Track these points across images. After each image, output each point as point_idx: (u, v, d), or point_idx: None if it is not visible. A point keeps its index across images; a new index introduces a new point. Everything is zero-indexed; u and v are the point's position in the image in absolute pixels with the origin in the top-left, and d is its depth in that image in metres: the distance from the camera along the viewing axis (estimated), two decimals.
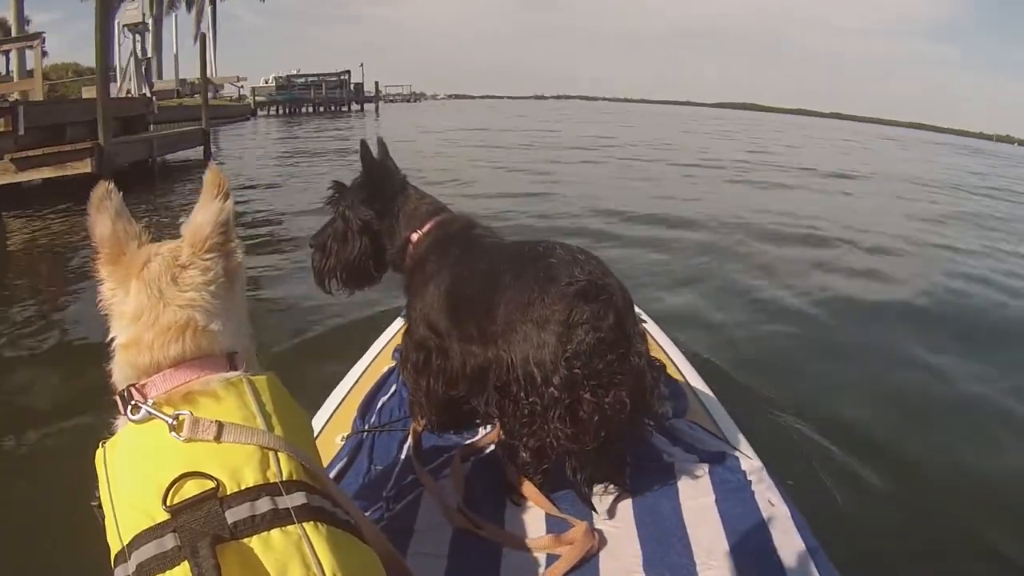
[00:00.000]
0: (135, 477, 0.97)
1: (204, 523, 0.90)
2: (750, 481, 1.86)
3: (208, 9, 45.90)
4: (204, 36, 22.49)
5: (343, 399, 2.44)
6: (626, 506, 1.80)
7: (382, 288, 2.39)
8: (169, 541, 0.89)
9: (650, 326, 2.94)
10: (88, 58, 11.82)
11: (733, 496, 1.80)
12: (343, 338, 4.42)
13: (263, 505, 0.93)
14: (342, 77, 51.46)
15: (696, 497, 1.81)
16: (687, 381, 2.59)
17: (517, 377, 1.64)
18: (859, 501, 3.02)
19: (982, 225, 11.75)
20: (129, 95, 22.28)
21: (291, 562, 0.90)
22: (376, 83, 62.85)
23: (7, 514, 2.86)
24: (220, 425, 0.98)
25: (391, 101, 79.97)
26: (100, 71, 11.07)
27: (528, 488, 1.80)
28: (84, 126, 11.06)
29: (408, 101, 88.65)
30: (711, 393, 2.53)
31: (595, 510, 1.76)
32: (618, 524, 1.73)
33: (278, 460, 0.99)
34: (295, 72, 49.95)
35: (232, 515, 0.91)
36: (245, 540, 0.91)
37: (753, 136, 38.05)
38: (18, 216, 8.96)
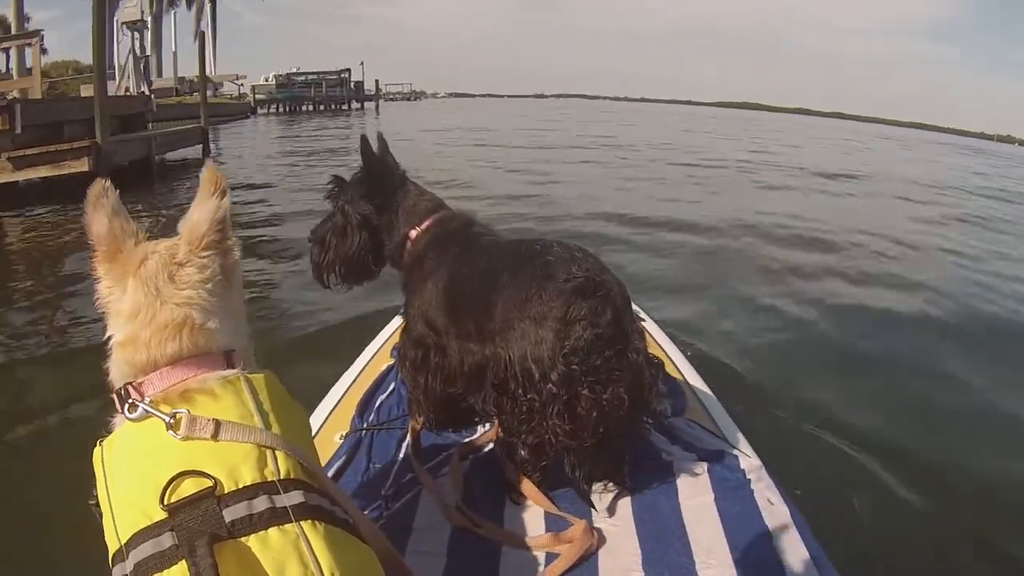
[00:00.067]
0: (132, 476, 0.97)
1: (201, 522, 0.89)
2: (749, 480, 1.86)
3: (208, 7, 45.87)
4: (203, 34, 22.49)
5: (341, 397, 2.44)
6: (625, 504, 1.79)
7: (380, 286, 2.39)
8: (167, 540, 0.89)
9: (648, 324, 2.93)
10: (88, 56, 11.76)
11: (732, 495, 1.80)
12: (341, 336, 4.43)
13: (261, 504, 0.93)
14: (342, 75, 51.52)
15: (695, 496, 1.81)
16: (685, 379, 2.58)
17: (515, 374, 1.64)
18: (859, 500, 3.02)
19: (989, 228, 11.67)
20: (128, 93, 22.27)
21: (289, 561, 0.90)
22: (376, 81, 62.95)
23: (7, 514, 2.86)
24: (217, 423, 0.98)
25: (391, 99, 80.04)
26: (97, 69, 11.05)
27: (527, 486, 1.80)
28: (82, 124, 11.03)
29: (408, 99, 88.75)
30: (709, 391, 2.53)
31: (594, 508, 1.76)
32: (617, 522, 1.73)
33: (275, 458, 0.99)
34: (295, 70, 50.01)
35: (229, 514, 0.91)
36: (243, 539, 0.90)
37: (754, 136, 38.07)
38: (16, 215, 8.95)
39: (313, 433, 2.06)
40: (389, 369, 2.58)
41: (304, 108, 47.52)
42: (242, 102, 42.31)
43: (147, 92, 22.33)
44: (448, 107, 72.87)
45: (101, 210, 1.10)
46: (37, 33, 13.88)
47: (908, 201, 14.31)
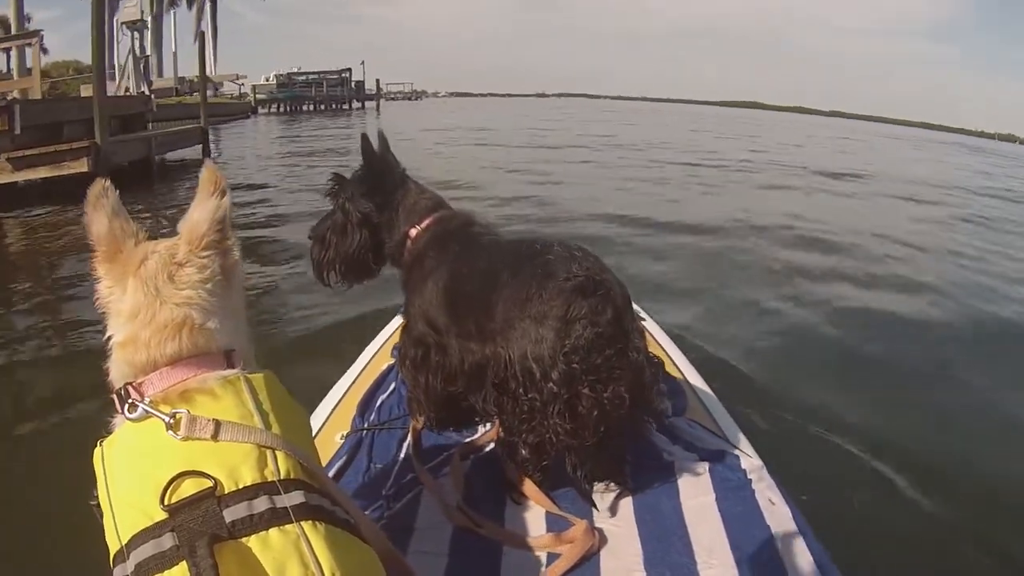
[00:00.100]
0: (133, 476, 0.97)
1: (202, 522, 0.89)
2: (750, 480, 1.86)
3: (208, 7, 45.88)
4: (203, 34, 22.49)
5: (342, 397, 2.44)
6: (626, 504, 1.79)
7: (381, 286, 2.39)
8: (167, 541, 0.89)
9: (649, 324, 2.93)
10: (89, 56, 11.76)
11: (733, 495, 1.80)
12: (341, 336, 4.43)
13: (261, 504, 0.93)
14: (343, 75, 51.53)
15: (696, 496, 1.80)
16: (686, 379, 2.58)
17: (515, 373, 1.64)
18: (860, 500, 3.02)
19: (994, 228, 11.59)
20: (128, 93, 22.27)
21: (289, 561, 0.90)
22: (377, 81, 62.82)
23: (7, 514, 2.86)
24: (217, 423, 0.98)
25: (392, 99, 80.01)
26: (96, 69, 11.04)
27: (528, 486, 1.79)
28: (81, 124, 11.01)
29: (409, 99, 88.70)
30: (710, 391, 2.52)
31: (596, 508, 1.76)
32: (618, 523, 1.73)
33: (276, 458, 0.98)
34: (296, 70, 50.00)
35: (230, 514, 0.91)
36: (243, 539, 0.90)
37: (756, 134, 38.05)
38: (15, 215, 8.96)
39: (314, 433, 2.06)
40: (390, 369, 2.57)
41: (305, 108, 47.52)
42: (243, 102, 42.31)
43: (147, 92, 22.33)
44: (449, 106, 72.82)
45: (101, 210, 1.10)
46: (37, 33, 13.87)
47: (912, 201, 14.25)
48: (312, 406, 2.34)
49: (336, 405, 2.39)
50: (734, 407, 2.45)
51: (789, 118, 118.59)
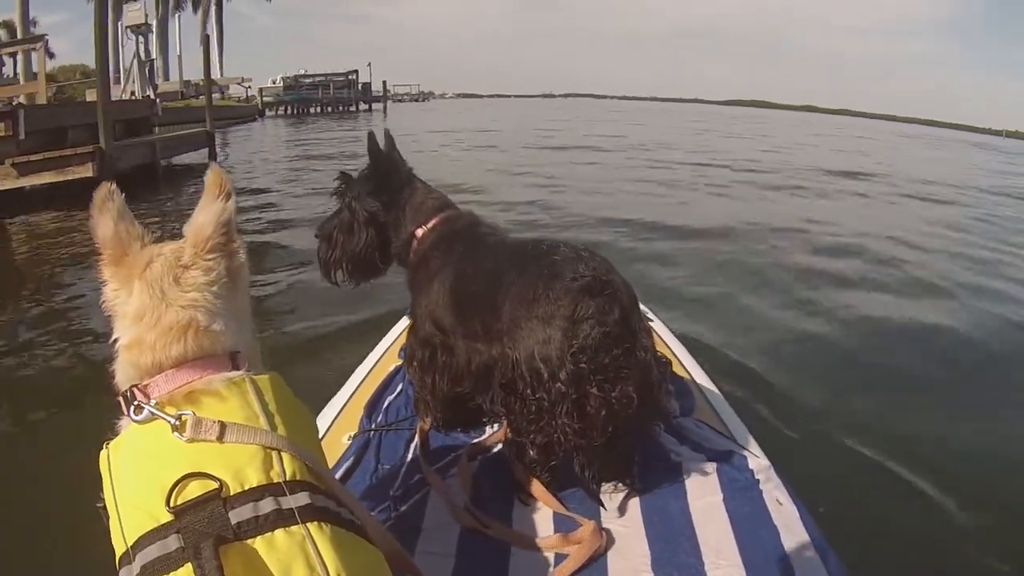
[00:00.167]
0: (139, 478, 0.97)
1: (207, 524, 0.89)
2: (758, 480, 1.85)
3: (213, 10, 45.98)
4: (207, 37, 22.62)
5: (349, 398, 2.44)
6: (634, 505, 1.79)
7: (387, 288, 2.39)
8: (173, 542, 0.89)
9: (656, 324, 2.92)
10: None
11: (741, 495, 1.79)
12: (347, 339, 4.44)
13: (266, 505, 0.93)
14: (350, 77, 51.48)
15: (704, 496, 1.80)
16: (693, 379, 2.57)
17: (523, 374, 1.64)
18: (868, 501, 3.01)
19: (1009, 228, 11.33)
20: (133, 97, 22.35)
21: (295, 562, 0.90)
22: (384, 83, 62.73)
23: (7, 514, 2.87)
24: (223, 425, 0.98)
25: (399, 100, 79.92)
26: (100, 74, 11.08)
27: (536, 487, 1.79)
28: (86, 129, 11.02)
29: (416, 100, 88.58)
30: (717, 391, 2.51)
31: (603, 508, 1.76)
32: (626, 523, 1.72)
33: (281, 460, 0.98)
34: (302, 72, 50.04)
35: (235, 516, 0.91)
36: (249, 541, 0.90)
37: (765, 134, 37.87)
38: (20, 219, 9.00)
39: (321, 434, 2.06)
40: (397, 370, 2.57)
41: (312, 110, 47.55)
42: (250, 105, 42.36)
43: (152, 96, 22.39)
44: (456, 108, 72.72)
45: (107, 214, 1.11)
46: (41, 38, 13.93)
47: (924, 201, 14.09)
48: (319, 407, 2.34)
49: (343, 406, 2.39)
50: (741, 408, 2.44)
51: (798, 117, 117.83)
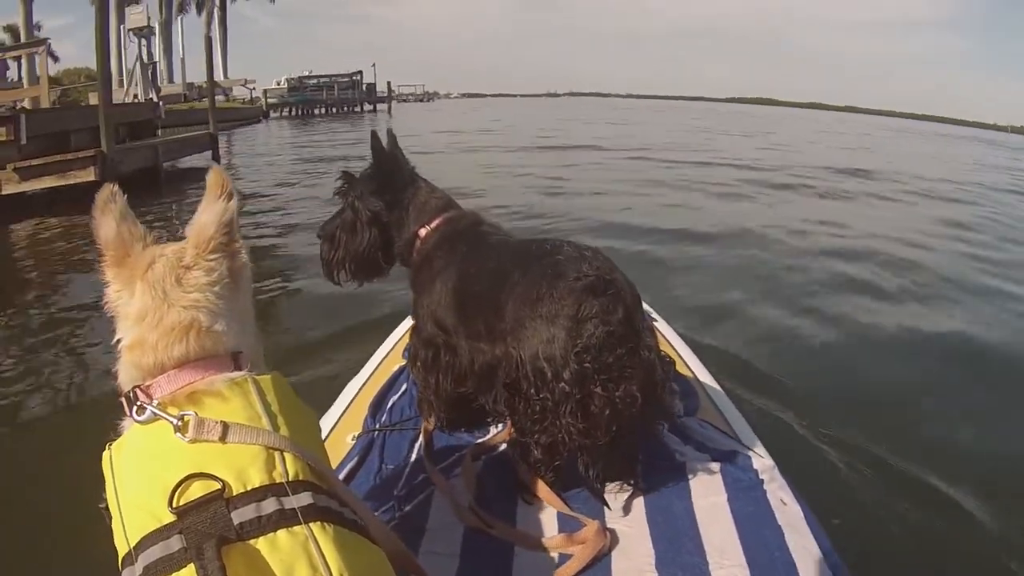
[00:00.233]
0: (141, 479, 0.97)
1: (210, 524, 0.89)
2: (762, 480, 1.84)
3: (217, 12, 46.05)
4: (210, 40, 22.67)
5: (353, 398, 2.44)
6: (638, 505, 1.78)
7: (391, 287, 2.38)
8: (175, 543, 0.89)
9: (660, 324, 2.92)
10: None
11: (745, 495, 1.78)
12: (351, 338, 4.44)
13: (269, 506, 0.93)
14: (354, 78, 51.44)
15: (708, 496, 1.79)
16: (697, 378, 2.57)
17: (527, 374, 1.63)
18: (871, 502, 3.00)
19: (1020, 228, 11.18)
20: (136, 100, 22.40)
21: (298, 563, 0.90)
22: (388, 83, 62.59)
23: (7, 514, 2.88)
24: (225, 425, 0.98)
25: (404, 101, 79.79)
26: (101, 77, 11.09)
27: (540, 487, 1.79)
28: (88, 133, 11.04)
29: (421, 100, 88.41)
30: (721, 391, 2.51)
31: (608, 507, 1.75)
32: (630, 523, 1.72)
33: (284, 460, 0.98)
34: (307, 73, 50.04)
35: (238, 516, 0.91)
36: (251, 541, 0.90)
37: (770, 131, 37.72)
38: (22, 223, 9.01)
39: (325, 434, 2.06)
40: (401, 370, 2.57)
41: (316, 111, 47.54)
42: (254, 106, 42.34)
43: (155, 99, 22.43)
44: (461, 108, 72.59)
45: (109, 215, 1.11)
46: (44, 41, 13.96)
47: (936, 200, 13.98)
48: (323, 407, 2.34)
49: (348, 406, 2.39)
50: (745, 407, 2.43)
51: (803, 114, 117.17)
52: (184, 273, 1.10)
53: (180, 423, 0.98)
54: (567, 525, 1.70)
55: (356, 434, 2.17)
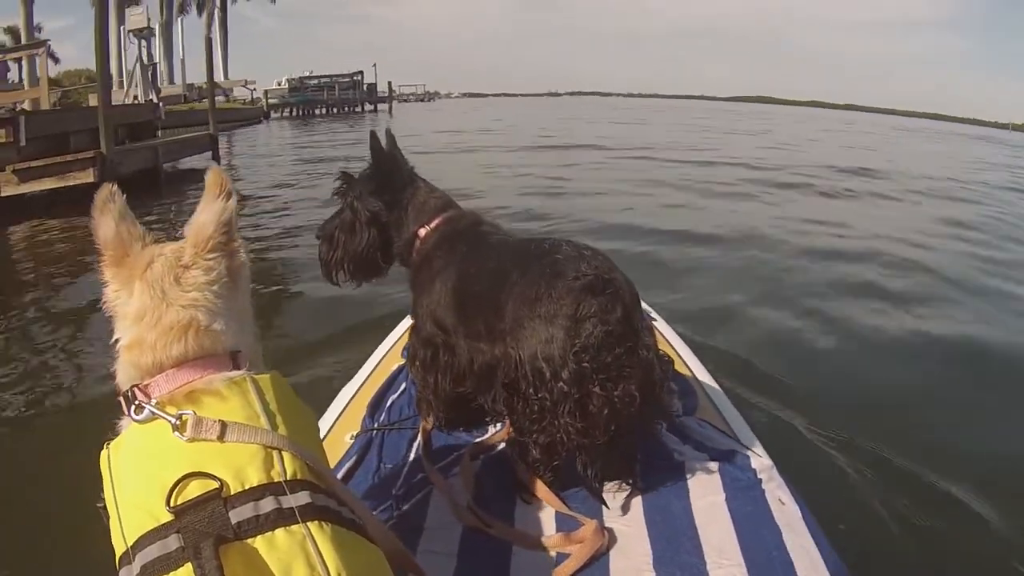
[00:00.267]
0: (139, 478, 0.97)
1: (208, 524, 0.90)
2: (760, 479, 1.84)
3: (217, 13, 46.05)
4: (210, 40, 22.65)
5: (352, 397, 2.44)
6: (636, 504, 1.78)
7: (391, 288, 2.38)
8: (173, 542, 0.89)
9: (659, 324, 2.92)
10: None
11: (743, 495, 1.78)
12: (350, 338, 4.44)
13: (267, 505, 0.93)
14: (355, 78, 51.39)
15: (706, 495, 1.79)
16: (696, 378, 2.57)
17: (525, 373, 1.63)
18: (871, 501, 2.99)
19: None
20: (136, 101, 22.40)
21: (295, 562, 0.90)
22: (389, 83, 62.47)
23: (7, 514, 2.88)
24: (223, 424, 0.98)
25: (405, 100, 79.60)
26: (100, 78, 11.09)
27: (538, 486, 1.79)
28: (88, 134, 11.01)
29: (423, 100, 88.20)
30: (720, 390, 2.51)
31: (606, 506, 1.75)
32: (628, 523, 1.72)
33: (282, 459, 0.99)
34: (308, 74, 50.00)
35: (236, 515, 0.91)
36: (249, 540, 0.90)
37: (771, 130, 37.62)
38: (21, 224, 9.01)
39: (323, 433, 2.06)
40: (400, 369, 2.57)
41: (317, 112, 47.49)
42: (255, 107, 42.28)
43: (155, 100, 22.43)
44: (462, 107, 72.47)
45: (108, 215, 1.11)
46: (44, 43, 13.97)
47: (939, 199, 13.88)
48: (322, 407, 2.34)
49: (346, 405, 2.39)
50: (743, 407, 2.43)
51: (804, 112, 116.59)
52: (183, 272, 1.10)
53: (178, 422, 0.98)
54: (565, 524, 1.70)
55: (354, 433, 2.17)
